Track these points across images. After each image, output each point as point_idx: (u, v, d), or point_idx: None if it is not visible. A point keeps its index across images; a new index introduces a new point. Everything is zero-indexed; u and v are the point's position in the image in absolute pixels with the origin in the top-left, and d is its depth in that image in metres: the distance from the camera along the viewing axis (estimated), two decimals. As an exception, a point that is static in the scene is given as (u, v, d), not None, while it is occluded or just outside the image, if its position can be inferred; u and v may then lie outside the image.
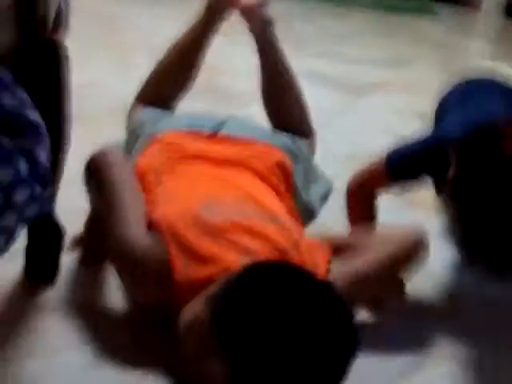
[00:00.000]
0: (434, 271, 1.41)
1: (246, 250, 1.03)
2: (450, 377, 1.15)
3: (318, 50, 3.01)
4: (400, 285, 1.24)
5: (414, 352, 1.19)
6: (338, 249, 1.21)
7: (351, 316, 0.95)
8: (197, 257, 1.06)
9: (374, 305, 1.21)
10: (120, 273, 1.13)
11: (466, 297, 1.40)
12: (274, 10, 3.70)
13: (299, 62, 2.75)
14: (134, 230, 1.10)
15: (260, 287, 0.92)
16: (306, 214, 1.40)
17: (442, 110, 1.43)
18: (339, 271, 1.13)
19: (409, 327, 1.25)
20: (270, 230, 1.12)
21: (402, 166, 1.29)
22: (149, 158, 1.35)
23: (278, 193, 1.31)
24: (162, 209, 1.17)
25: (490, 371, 1.18)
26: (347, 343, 0.92)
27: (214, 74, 2.46)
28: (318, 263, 1.10)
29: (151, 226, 1.12)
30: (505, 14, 4.46)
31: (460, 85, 1.47)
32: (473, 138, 1.12)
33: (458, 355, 1.20)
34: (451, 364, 1.17)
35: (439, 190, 1.37)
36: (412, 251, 1.19)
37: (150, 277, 1.07)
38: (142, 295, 1.11)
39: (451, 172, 1.14)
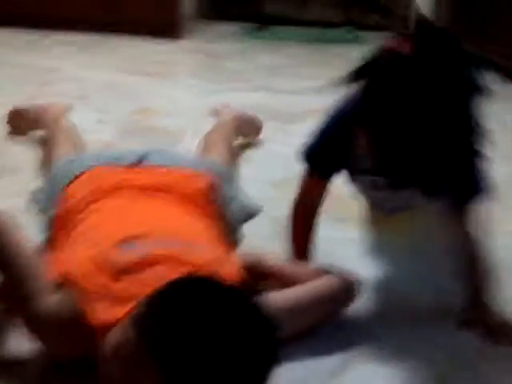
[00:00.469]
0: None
1: (164, 279, 1.03)
2: (380, 373, 1.19)
3: (255, 84, 3.11)
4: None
5: (344, 351, 1.24)
6: (268, 273, 1.28)
7: (272, 324, 0.97)
8: (113, 299, 1.06)
9: None
10: (40, 339, 1.12)
11: (390, 297, 1.45)
12: (212, 50, 3.85)
13: (237, 97, 2.87)
14: (39, 299, 1.09)
15: (183, 297, 0.95)
16: (235, 234, 1.44)
17: None
18: (276, 297, 1.18)
19: (338, 327, 1.29)
20: (191, 256, 1.14)
21: (316, 151, 1.33)
22: (69, 197, 1.36)
23: (205, 216, 1.35)
24: (74, 255, 1.17)
25: (419, 367, 1.22)
26: (268, 346, 0.95)
27: (146, 115, 2.53)
28: (235, 276, 1.14)
29: (60, 278, 1.11)
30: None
31: None
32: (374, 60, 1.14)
33: (387, 353, 1.25)
34: (381, 361, 1.22)
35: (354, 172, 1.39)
36: (340, 298, 1.27)
37: (69, 333, 1.07)
38: (66, 351, 1.11)
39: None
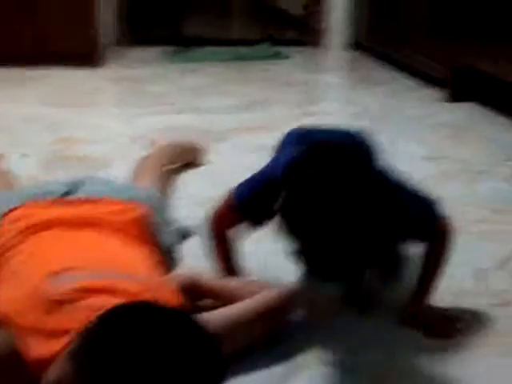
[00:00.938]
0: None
1: (100, 309, 1.00)
2: (323, 376, 1.20)
3: (179, 106, 3.11)
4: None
5: (281, 363, 1.23)
6: (205, 293, 1.28)
7: (214, 343, 0.96)
8: (48, 333, 1.04)
9: None
10: None
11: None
12: (134, 76, 3.83)
13: (162, 120, 2.87)
14: None
15: (118, 326, 0.93)
16: (172, 257, 1.44)
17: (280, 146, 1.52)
18: (214, 315, 1.17)
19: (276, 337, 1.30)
20: (126, 285, 1.13)
21: (247, 200, 1.35)
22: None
23: (138, 244, 1.33)
24: (7, 292, 1.14)
25: (358, 367, 1.24)
26: (213, 366, 0.94)
27: (70, 144, 2.50)
28: (171, 299, 1.13)
29: None
30: (352, 48, 4.77)
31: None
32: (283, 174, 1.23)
33: (328, 356, 1.26)
34: (324, 365, 1.23)
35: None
36: (279, 311, 1.27)
37: (8, 370, 1.04)
38: None
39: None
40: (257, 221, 1.36)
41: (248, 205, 1.34)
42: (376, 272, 1.29)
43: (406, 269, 1.39)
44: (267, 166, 1.39)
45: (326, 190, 1.14)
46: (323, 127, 1.55)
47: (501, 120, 2.93)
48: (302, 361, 1.24)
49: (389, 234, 1.19)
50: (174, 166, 2.16)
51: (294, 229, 1.19)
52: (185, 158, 2.22)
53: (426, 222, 1.32)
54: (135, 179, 1.86)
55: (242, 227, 1.40)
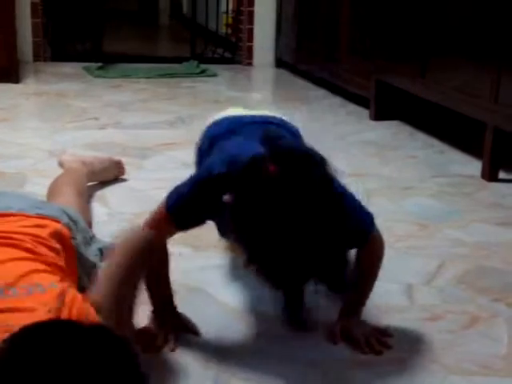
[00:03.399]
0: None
1: (5, 329, 0.94)
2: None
3: (102, 121, 3.04)
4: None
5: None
6: None
7: (133, 352, 0.93)
8: None
9: None
10: None
11: (258, 320, 1.43)
12: (54, 91, 3.73)
13: (85, 135, 2.79)
14: None
15: (35, 347, 0.87)
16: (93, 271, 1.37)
17: (200, 153, 1.49)
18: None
19: (208, 357, 1.26)
20: (32, 300, 1.07)
21: (180, 207, 1.28)
22: None
23: (55, 256, 1.27)
24: None
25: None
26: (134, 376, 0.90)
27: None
28: (87, 312, 1.08)
29: None
30: (278, 66, 4.82)
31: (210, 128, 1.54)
32: (241, 170, 1.16)
33: (259, 378, 1.22)
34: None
35: (223, 229, 1.39)
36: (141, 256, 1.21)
37: None
38: None
39: (229, 200, 1.16)
40: (188, 226, 1.30)
41: (180, 210, 1.28)
42: (320, 283, 1.24)
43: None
44: (201, 168, 1.34)
45: (287, 193, 1.10)
46: (250, 116, 1.52)
47: (422, 137, 3.00)
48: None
49: (335, 241, 1.15)
50: (93, 183, 2.10)
51: (245, 231, 1.14)
52: (105, 175, 2.15)
53: (362, 232, 1.30)
54: (51, 197, 1.78)
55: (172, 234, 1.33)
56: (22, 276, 1.14)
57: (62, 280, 1.20)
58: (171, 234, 1.32)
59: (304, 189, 1.11)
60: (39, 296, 1.08)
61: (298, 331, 1.37)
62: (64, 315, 1.03)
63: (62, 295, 1.09)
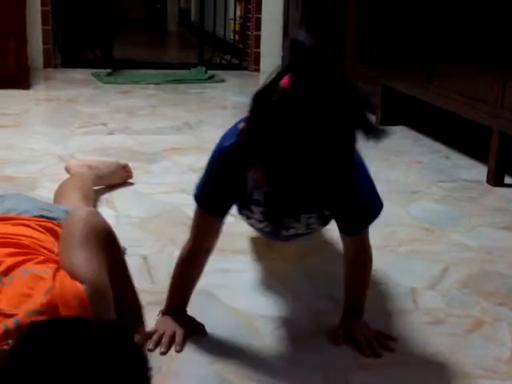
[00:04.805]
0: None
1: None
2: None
3: (111, 126, 3.06)
4: None
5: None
6: None
7: (136, 347, 0.94)
8: None
9: None
10: None
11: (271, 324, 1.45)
12: (64, 97, 3.76)
13: (94, 140, 2.81)
14: None
15: (44, 343, 0.89)
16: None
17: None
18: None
19: (213, 360, 1.27)
20: (28, 283, 1.09)
21: (206, 194, 1.28)
22: None
23: (52, 255, 1.28)
24: None
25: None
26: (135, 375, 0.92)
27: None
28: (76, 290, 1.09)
29: None
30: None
31: None
32: (255, 95, 1.09)
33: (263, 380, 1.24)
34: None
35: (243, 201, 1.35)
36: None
37: None
38: None
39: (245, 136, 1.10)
40: (222, 209, 1.29)
41: (207, 197, 1.27)
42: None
43: None
44: (214, 149, 1.30)
45: (296, 106, 1.01)
46: None
47: (428, 142, 3.01)
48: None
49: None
50: (101, 187, 2.12)
51: (260, 150, 1.06)
52: (111, 179, 2.17)
53: (364, 213, 1.29)
54: (57, 200, 1.80)
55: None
56: (18, 265, 1.15)
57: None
58: (213, 228, 1.31)
59: (313, 104, 1.02)
60: (34, 278, 1.10)
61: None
62: (56, 294, 1.05)
63: (54, 275, 1.11)
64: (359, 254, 1.35)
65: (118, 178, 2.20)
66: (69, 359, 0.87)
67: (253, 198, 1.32)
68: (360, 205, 1.28)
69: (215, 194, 1.28)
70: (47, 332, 0.91)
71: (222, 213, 1.30)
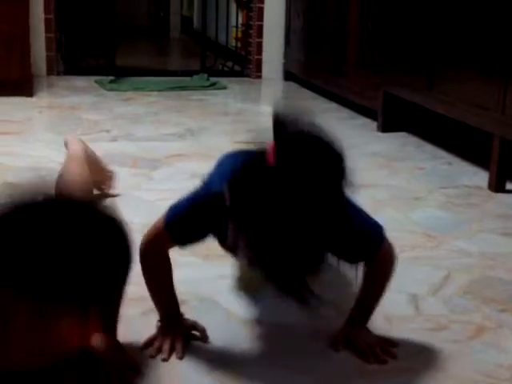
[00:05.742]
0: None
1: None
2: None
3: (114, 133, 3.07)
4: None
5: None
6: None
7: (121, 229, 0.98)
8: None
9: None
10: None
11: (266, 329, 1.45)
12: (68, 104, 3.77)
13: (97, 147, 2.80)
14: None
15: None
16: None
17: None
18: None
19: (215, 364, 1.27)
20: None
21: (177, 224, 1.28)
22: None
23: None
24: None
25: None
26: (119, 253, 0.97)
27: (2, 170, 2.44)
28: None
29: None
30: (283, 79, 4.85)
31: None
32: (240, 171, 1.13)
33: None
34: None
35: (223, 240, 1.35)
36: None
37: None
38: None
39: (229, 205, 1.12)
40: (187, 242, 1.30)
41: (178, 225, 1.28)
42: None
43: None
44: (201, 186, 1.34)
45: (282, 184, 1.05)
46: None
47: (429, 148, 3.01)
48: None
49: (329, 242, 1.13)
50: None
51: (242, 221, 1.10)
52: (94, 172, 2.12)
53: (368, 241, 1.29)
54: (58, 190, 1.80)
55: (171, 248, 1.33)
56: None
57: None
58: (170, 247, 1.32)
59: (300, 181, 1.05)
60: None
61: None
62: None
63: None
64: (378, 270, 1.34)
65: (99, 176, 2.18)
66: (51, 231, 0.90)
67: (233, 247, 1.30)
68: (361, 236, 1.27)
69: (187, 228, 1.28)
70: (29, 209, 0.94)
71: (183, 244, 1.31)
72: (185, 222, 1.28)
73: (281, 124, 1.10)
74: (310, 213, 1.06)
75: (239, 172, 1.11)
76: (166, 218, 1.29)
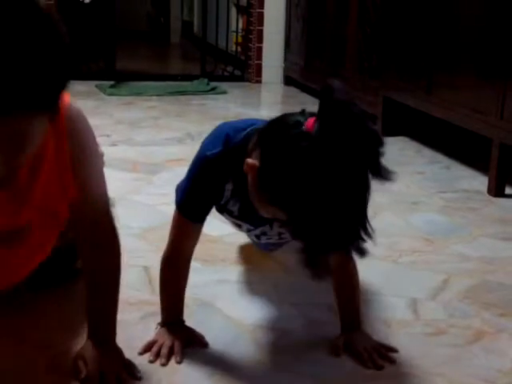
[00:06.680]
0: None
1: None
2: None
3: (114, 138, 3.08)
4: None
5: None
6: None
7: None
8: None
9: None
10: None
11: (264, 334, 1.45)
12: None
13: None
14: None
15: None
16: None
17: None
18: None
19: (211, 368, 1.26)
20: None
21: (187, 201, 1.28)
22: None
23: None
24: None
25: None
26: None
27: None
28: None
29: None
30: (283, 84, 4.87)
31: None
32: (273, 125, 1.12)
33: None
34: None
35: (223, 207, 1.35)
36: None
37: None
38: None
39: (252, 165, 1.09)
40: (202, 215, 1.29)
41: (188, 204, 1.28)
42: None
43: None
44: (196, 155, 1.30)
45: (323, 154, 1.01)
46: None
47: (429, 153, 3.02)
48: None
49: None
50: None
51: (278, 193, 1.06)
52: None
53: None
54: None
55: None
56: None
57: None
58: (193, 233, 1.32)
59: (343, 152, 1.01)
60: None
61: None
62: None
63: None
64: (343, 267, 1.34)
65: None
66: None
67: (227, 207, 1.33)
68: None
69: (196, 201, 1.28)
70: None
71: (202, 219, 1.31)
72: (193, 197, 1.27)
73: (328, 90, 1.04)
74: (352, 185, 1.05)
75: (273, 133, 1.07)
76: (176, 202, 1.31)
